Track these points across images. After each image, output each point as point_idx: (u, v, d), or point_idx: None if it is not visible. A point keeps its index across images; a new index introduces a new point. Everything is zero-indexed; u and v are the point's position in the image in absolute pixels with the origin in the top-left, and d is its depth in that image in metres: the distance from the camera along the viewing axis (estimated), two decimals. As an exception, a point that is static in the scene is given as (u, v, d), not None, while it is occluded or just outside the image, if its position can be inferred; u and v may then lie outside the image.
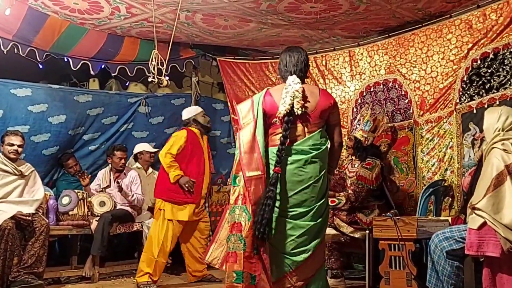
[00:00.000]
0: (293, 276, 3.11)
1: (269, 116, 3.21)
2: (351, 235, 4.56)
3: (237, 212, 3.13)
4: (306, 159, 3.15)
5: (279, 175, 3.10)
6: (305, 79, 3.38)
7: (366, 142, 4.93)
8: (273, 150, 3.16)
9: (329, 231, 4.47)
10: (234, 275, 3.03)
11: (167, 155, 4.87)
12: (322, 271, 3.28)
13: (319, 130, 3.24)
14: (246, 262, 3.03)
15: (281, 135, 3.14)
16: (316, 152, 3.18)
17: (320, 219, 3.20)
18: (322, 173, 3.20)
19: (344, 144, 4.67)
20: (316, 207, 3.17)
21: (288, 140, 3.13)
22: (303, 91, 3.18)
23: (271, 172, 3.13)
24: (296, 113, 3.12)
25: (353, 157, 4.99)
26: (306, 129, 3.20)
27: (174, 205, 4.85)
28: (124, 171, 5.72)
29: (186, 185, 4.82)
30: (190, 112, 5.24)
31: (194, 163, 4.98)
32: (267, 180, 3.12)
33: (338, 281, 4.55)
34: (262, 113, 3.20)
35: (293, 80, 3.20)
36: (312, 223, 3.15)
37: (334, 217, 4.63)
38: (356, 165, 4.90)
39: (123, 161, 5.68)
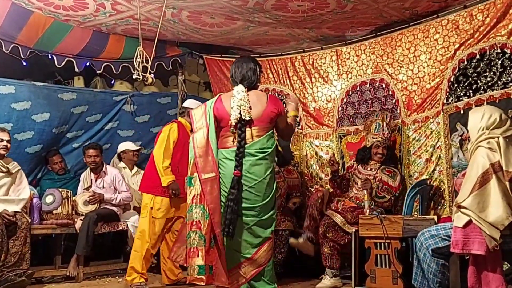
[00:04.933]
0: (244, 266, 3.41)
1: (219, 121, 3.50)
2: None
3: (195, 211, 3.38)
4: (252, 161, 3.41)
5: (239, 177, 3.36)
6: (257, 86, 3.65)
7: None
8: (222, 152, 3.45)
9: (332, 232, 4.57)
10: (197, 268, 3.32)
11: (165, 158, 4.67)
12: (270, 265, 3.50)
13: (266, 134, 3.50)
14: (206, 255, 3.34)
15: (232, 138, 3.45)
16: (262, 155, 3.44)
17: (265, 216, 3.45)
18: (268, 173, 3.46)
19: (379, 152, 4.95)
20: (261, 205, 3.42)
21: (242, 144, 3.40)
22: (249, 99, 3.48)
23: (221, 172, 3.41)
24: (245, 119, 3.41)
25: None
26: (254, 133, 3.46)
27: (165, 201, 4.68)
28: (104, 170, 5.66)
29: (174, 191, 4.66)
30: (192, 104, 4.93)
31: (186, 159, 4.78)
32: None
33: (337, 279, 4.56)
34: (213, 118, 3.48)
35: (237, 89, 3.51)
36: (257, 219, 3.41)
37: (336, 216, 4.65)
38: (371, 169, 4.95)
39: (93, 158, 5.55)
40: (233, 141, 3.45)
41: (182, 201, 4.71)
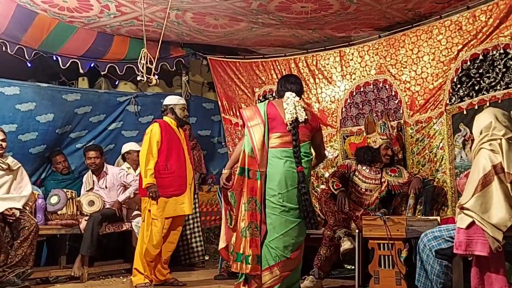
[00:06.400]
0: (282, 265, 3.52)
1: (271, 120, 3.65)
2: None
3: (251, 203, 3.55)
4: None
5: (303, 172, 3.54)
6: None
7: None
8: (272, 151, 3.60)
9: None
10: (257, 258, 3.49)
11: (149, 159, 4.72)
12: (299, 267, 3.67)
13: (308, 141, 3.72)
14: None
15: (279, 139, 3.61)
16: (307, 159, 3.65)
17: (301, 220, 3.59)
18: (308, 179, 3.70)
19: (389, 154, 4.91)
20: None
21: (298, 143, 3.59)
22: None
23: (268, 169, 3.57)
24: (301, 120, 3.62)
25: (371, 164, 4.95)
26: (300, 137, 3.64)
27: (160, 202, 4.70)
28: (105, 170, 5.68)
29: (151, 194, 4.67)
30: (171, 100, 5.07)
31: (174, 156, 4.84)
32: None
33: (320, 282, 4.52)
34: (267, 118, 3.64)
35: (288, 95, 3.71)
36: (298, 220, 3.56)
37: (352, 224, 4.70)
38: (376, 172, 4.90)
39: (93, 160, 5.59)
40: (280, 142, 3.60)
41: (180, 200, 4.81)
